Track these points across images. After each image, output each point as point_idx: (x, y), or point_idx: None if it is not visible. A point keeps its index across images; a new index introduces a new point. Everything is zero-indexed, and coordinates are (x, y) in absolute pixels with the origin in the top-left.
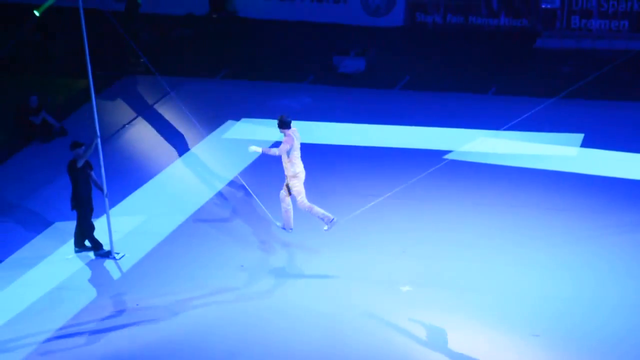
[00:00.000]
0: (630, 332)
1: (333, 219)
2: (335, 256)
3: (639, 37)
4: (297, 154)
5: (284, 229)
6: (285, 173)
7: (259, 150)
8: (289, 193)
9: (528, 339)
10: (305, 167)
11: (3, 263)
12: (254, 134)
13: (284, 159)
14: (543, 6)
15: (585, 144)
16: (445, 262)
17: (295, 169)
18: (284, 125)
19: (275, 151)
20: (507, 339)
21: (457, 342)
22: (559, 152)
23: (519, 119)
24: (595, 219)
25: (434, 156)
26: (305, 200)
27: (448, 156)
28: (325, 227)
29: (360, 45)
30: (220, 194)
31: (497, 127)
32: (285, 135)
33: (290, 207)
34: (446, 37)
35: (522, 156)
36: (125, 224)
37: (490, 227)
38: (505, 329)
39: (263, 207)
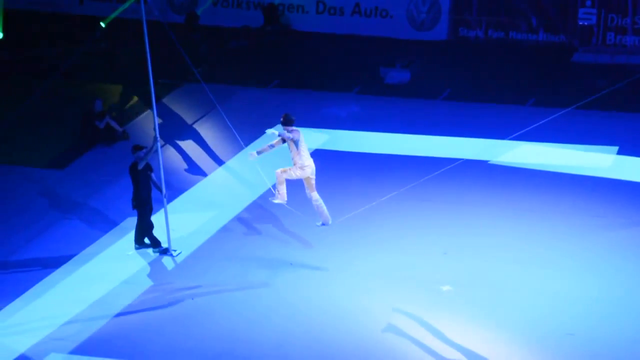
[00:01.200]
0: None
1: (282, 201)
2: (376, 256)
3: None
4: (304, 147)
5: (324, 224)
6: (294, 164)
7: (255, 154)
8: (313, 188)
9: (562, 337)
10: (350, 173)
11: (69, 258)
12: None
13: (294, 151)
14: (580, 23)
15: (620, 152)
16: (484, 264)
17: (304, 162)
18: (288, 122)
19: (288, 135)
20: (540, 338)
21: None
22: (595, 160)
23: (539, 123)
24: (628, 225)
25: (475, 164)
26: (284, 175)
27: (490, 162)
28: (271, 199)
29: (405, 57)
30: (264, 195)
31: (533, 137)
32: (289, 131)
33: (320, 201)
34: (487, 51)
35: (558, 164)
36: (180, 222)
37: (528, 232)
38: (539, 327)
39: (295, 211)
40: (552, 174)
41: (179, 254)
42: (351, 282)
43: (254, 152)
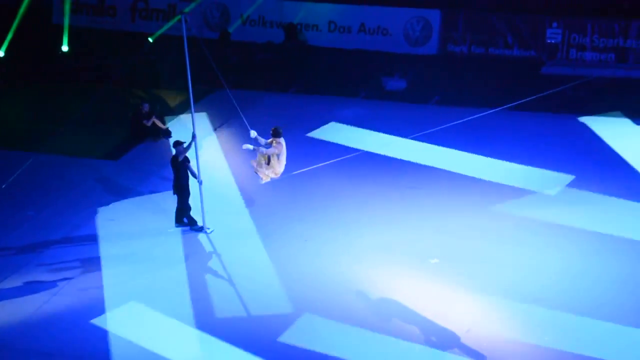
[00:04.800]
0: None
1: (268, 178)
2: (375, 234)
3: (623, 67)
4: (284, 158)
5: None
6: (272, 169)
7: (250, 147)
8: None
9: (532, 303)
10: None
11: (121, 235)
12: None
13: (274, 159)
14: (548, 41)
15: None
16: (466, 241)
17: (281, 169)
18: (277, 134)
19: (269, 151)
20: (513, 303)
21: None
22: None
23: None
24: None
25: (458, 158)
26: (258, 167)
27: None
28: (260, 181)
29: (402, 69)
30: (288, 181)
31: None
32: (276, 142)
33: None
34: (471, 64)
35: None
36: (213, 205)
37: (504, 215)
38: (512, 294)
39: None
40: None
41: (212, 231)
42: (357, 254)
43: (251, 146)
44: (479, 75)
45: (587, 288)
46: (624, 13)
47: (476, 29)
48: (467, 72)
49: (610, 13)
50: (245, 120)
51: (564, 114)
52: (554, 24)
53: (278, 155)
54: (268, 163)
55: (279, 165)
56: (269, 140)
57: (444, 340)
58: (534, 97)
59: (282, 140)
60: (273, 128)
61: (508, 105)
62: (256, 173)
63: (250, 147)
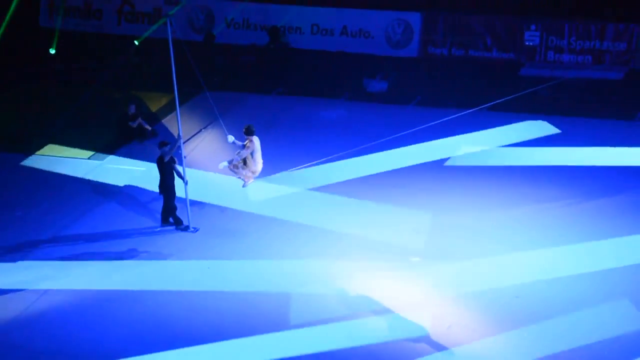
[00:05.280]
0: None
1: (252, 179)
2: (359, 233)
3: (598, 68)
4: (259, 155)
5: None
6: (248, 168)
7: (226, 163)
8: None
9: (510, 299)
10: None
11: (109, 235)
12: None
13: (249, 158)
14: (526, 43)
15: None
16: (447, 240)
17: (257, 167)
18: (249, 132)
19: (242, 154)
20: (492, 299)
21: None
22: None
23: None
24: (564, 206)
25: (438, 160)
26: (235, 169)
27: (449, 162)
28: (244, 186)
29: (384, 70)
30: (272, 182)
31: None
32: (249, 140)
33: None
34: (451, 66)
35: (506, 157)
36: (199, 204)
37: (483, 215)
38: (491, 291)
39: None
40: (504, 167)
41: (197, 230)
42: (339, 253)
43: (225, 162)
44: (459, 76)
45: (566, 284)
46: (600, 16)
47: (456, 32)
48: (448, 74)
49: (587, 15)
50: (223, 125)
51: (539, 115)
52: (532, 27)
53: (252, 153)
54: (245, 164)
55: (254, 164)
56: (245, 142)
57: (425, 337)
58: (510, 97)
59: (254, 138)
60: (245, 126)
61: (485, 105)
62: (240, 178)
63: (226, 163)
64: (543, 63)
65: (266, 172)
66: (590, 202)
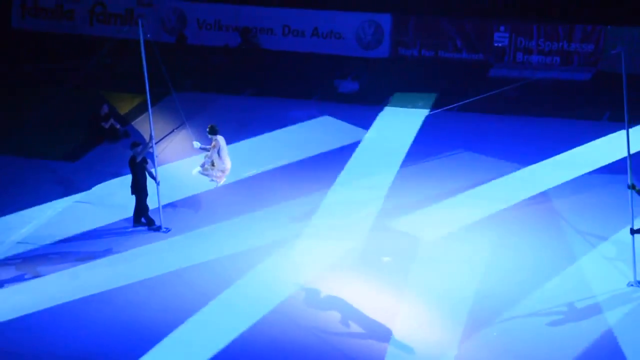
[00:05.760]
0: None
1: (225, 178)
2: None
3: (566, 69)
4: (225, 153)
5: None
6: (217, 167)
7: (199, 168)
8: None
9: (480, 299)
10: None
11: (80, 236)
12: None
13: (216, 158)
14: (495, 44)
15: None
16: (417, 240)
17: (226, 165)
18: (214, 132)
19: (210, 155)
20: (461, 299)
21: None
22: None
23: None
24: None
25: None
26: (206, 172)
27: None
28: (217, 185)
29: (355, 71)
30: (244, 182)
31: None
32: (213, 140)
33: (207, 171)
34: (421, 67)
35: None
36: (171, 205)
37: (455, 215)
38: (460, 291)
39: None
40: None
41: (169, 230)
42: (312, 252)
43: (199, 167)
44: (429, 78)
45: (536, 283)
46: (568, 18)
47: (426, 33)
48: (418, 75)
49: (555, 17)
50: (189, 129)
51: (507, 115)
52: (502, 28)
53: (219, 152)
54: (213, 165)
55: (222, 162)
56: (212, 143)
57: (393, 337)
58: (478, 97)
59: (218, 137)
60: (209, 126)
61: (453, 105)
62: (213, 180)
63: (199, 168)
64: (512, 64)
65: (237, 171)
66: (558, 201)
